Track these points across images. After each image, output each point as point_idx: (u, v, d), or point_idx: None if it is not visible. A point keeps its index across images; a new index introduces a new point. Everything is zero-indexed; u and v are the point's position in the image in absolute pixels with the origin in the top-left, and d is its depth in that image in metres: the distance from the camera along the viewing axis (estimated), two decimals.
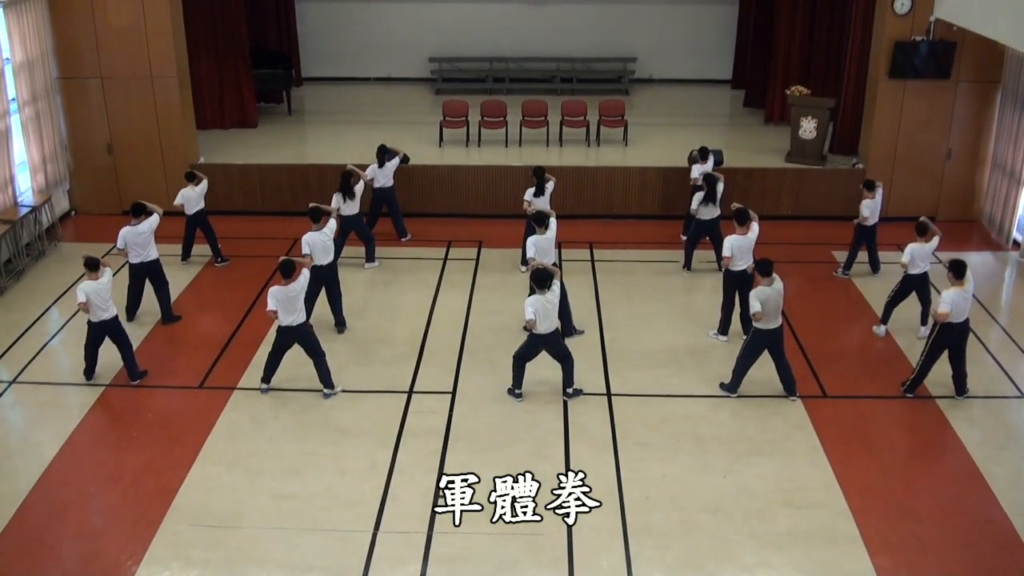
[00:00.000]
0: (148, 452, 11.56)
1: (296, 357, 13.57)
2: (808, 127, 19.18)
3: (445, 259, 17.10)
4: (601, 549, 9.97)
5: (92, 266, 12.61)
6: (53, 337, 14.37)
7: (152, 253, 14.33)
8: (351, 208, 16.03)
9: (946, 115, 18.36)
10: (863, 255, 16.40)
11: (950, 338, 12.34)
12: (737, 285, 13.86)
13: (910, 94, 18.22)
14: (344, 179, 16.02)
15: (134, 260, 14.26)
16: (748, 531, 10.26)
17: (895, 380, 13.12)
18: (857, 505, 10.63)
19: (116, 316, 12.81)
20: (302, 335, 12.57)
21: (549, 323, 12.28)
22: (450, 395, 12.80)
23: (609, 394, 12.83)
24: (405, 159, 17.93)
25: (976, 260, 14.94)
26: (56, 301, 15.39)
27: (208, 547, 9.97)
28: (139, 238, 14.13)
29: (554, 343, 12.51)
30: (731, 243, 13.68)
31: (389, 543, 10.04)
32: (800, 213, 18.73)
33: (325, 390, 12.75)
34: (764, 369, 13.35)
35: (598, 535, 10.17)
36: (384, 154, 17.30)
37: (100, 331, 12.75)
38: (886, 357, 13.85)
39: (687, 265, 16.58)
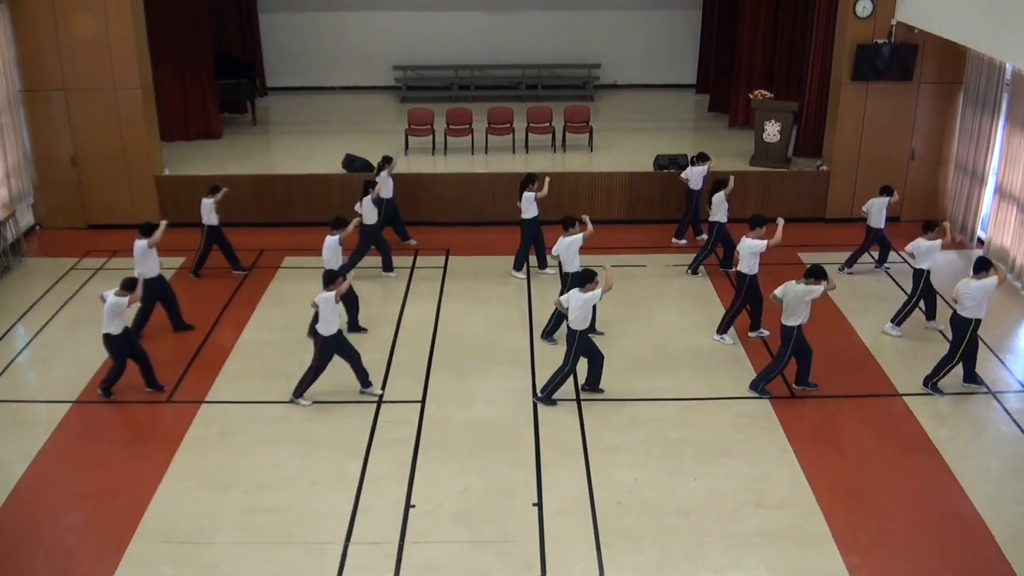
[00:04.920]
0: (117, 468, 11.46)
1: (265, 368, 13.57)
2: (772, 130, 19.30)
3: (412, 267, 17.08)
4: (574, 555, 9.97)
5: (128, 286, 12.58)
6: (19, 354, 14.22)
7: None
8: (371, 216, 16.20)
9: (909, 117, 18.55)
10: (893, 255, 16.90)
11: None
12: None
13: (873, 96, 18.39)
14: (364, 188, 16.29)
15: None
16: (720, 532, 10.30)
17: (862, 379, 13.25)
18: (827, 504, 10.70)
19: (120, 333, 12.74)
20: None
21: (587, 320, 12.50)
22: (420, 404, 12.77)
23: (578, 399, 12.85)
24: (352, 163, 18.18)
25: (941, 259, 15.07)
26: (22, 317, 15.24)
27: (179, 563, 9.89)
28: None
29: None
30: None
31: (361, 554, 10.01)
32: (765, 216, 18.81)
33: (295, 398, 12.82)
34: (731, 370, 13.46)
35: (570, 541, 10.17)
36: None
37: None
38: (853, 357, 13.95)
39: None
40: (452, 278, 16.69)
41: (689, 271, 16.66)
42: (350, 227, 14.51)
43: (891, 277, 16.50)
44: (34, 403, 12.99)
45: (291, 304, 15.46)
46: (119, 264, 16.11)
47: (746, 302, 14.21)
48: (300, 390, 12.73)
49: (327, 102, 25.42)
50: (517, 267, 16.72)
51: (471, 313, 15.35)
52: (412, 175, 18.84)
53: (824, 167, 19.20)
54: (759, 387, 12.88)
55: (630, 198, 18.93)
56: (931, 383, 12.90)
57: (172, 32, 21.20)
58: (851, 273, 16.56)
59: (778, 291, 12.61)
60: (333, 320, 12.42)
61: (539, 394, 12.79)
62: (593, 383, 12.92)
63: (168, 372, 13.44)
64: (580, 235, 14.20)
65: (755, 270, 13.97)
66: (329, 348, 12.54)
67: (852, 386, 13.15)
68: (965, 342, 12.59)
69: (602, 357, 12.84)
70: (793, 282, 12.45)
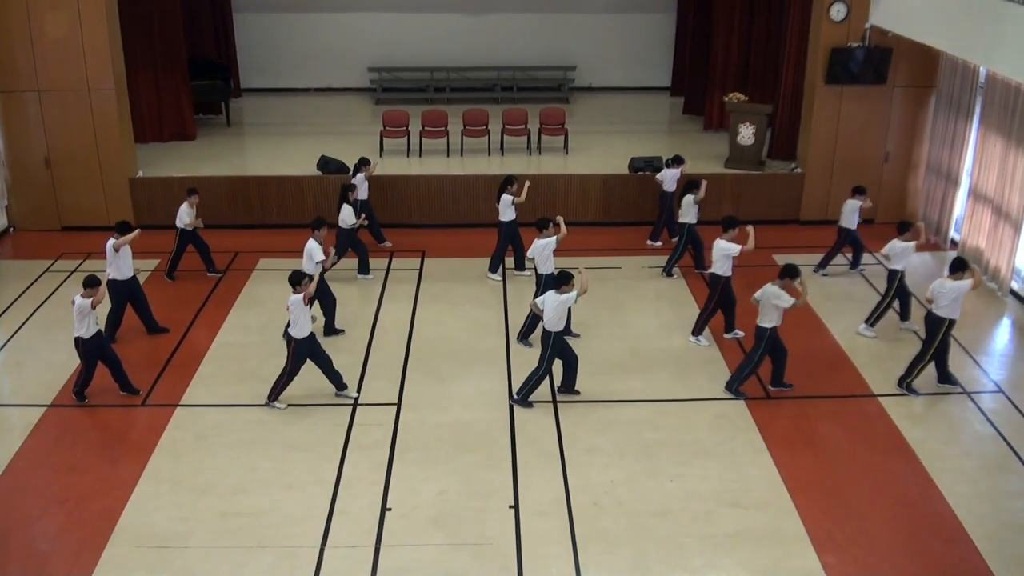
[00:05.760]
0: (92, 473, 11.39)
1: (240, 371, 13.52)
2: (746, 133, 19.38)
3: (388, 269, 17.05)
4: (550, 557, 9.97)
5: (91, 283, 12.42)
6: None
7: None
8: (346, 218, 16.17)
9: (883, 119, 18.66)
10: (867, 256, 17.09)
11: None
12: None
13: (847, 99, 18.48)
14: (343, 192, 16.26)
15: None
16: (696, 533, 10.32)
17: (837, 380, 13.29)
18: (802, 504, 10.75)
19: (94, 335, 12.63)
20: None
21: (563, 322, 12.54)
22: (395, 407, 12.75)
23: (555, 401, 12.85)
24: (326, 165, 18.55)
25: (915, 260, 15.17)
26: None
27: (154, 568, 9.83)
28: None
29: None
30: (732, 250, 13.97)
31: (337, 558, 9.97)
32: (740, 218, 18.88)
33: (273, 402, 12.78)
34: (707, 371, 13.50)
35: (547, 543, 10.18)
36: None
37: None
38: (828, 358, 14.02)
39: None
40: (428, 280, 16.67)
41: (664, 273, 16.71)
42: (329, 260, 14.37)
43: (865, 279, 16.60)
44: (8, 407, 12.88)
45: (266, 306, 15.41)
46: (93, 266, 15.95)
47: (720, 304, 14.24)
48: (274, 393, 12.68)
49: (302, 103, 25.36)
50: (493, 269, 16.71)
51: (447, 315, 15.34)
52: (387, 177, 18.79)
53: (798, 169, 19.30)
54: (734, 388, 12.93)
55: (605, 200, 18.97)
56: (905, 383, 12.99)
57: (146, 33, 21.10)
58: (825, 275, 16.65)
59: (757, 293, 12.67)
60: (305, 323, 12.38)
61: (515, 396, 12.79)
62: (568, 385, 12.94)
63: (142, 375, 13.36)
64: (554, 238, 14.20)
65: (728, 272, 14.01)
66: (302, 351, 12.49)
67: (827, 387, 13.21)
68: (938, 341, 12.68)
69: (576, 359, 12.85)
70: (770, 284, 12.52)
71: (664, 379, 13.42)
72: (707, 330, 14.50)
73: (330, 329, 14.52)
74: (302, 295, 12.23)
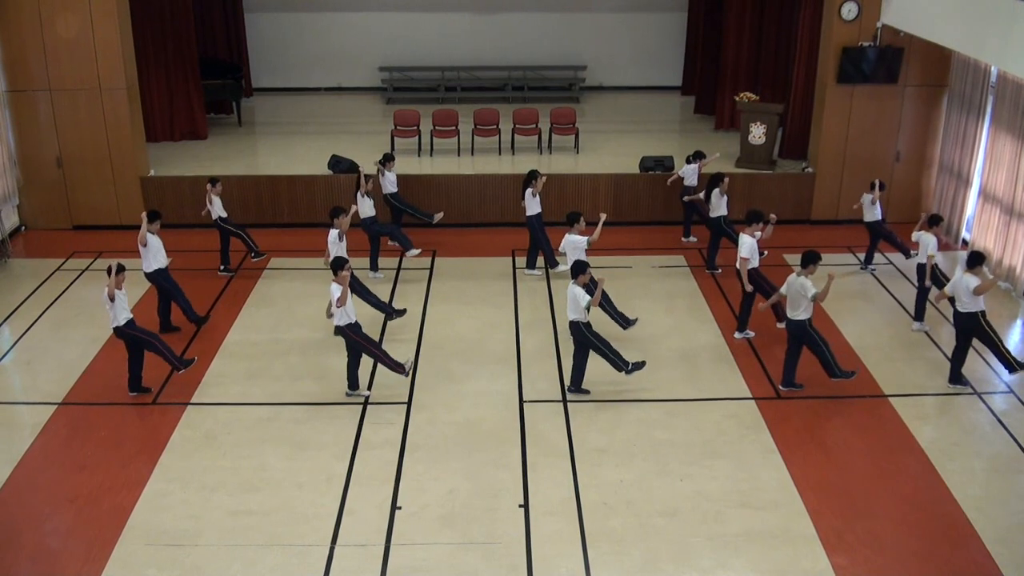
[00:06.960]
0: (102, 471, 11.41)
1: (251, 369, 13.54)
2: (757, 132, 19.35)
3: (399, 268, 17.06)
4: (559, 556, 9.97)
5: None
6: (4, 356, 14.15)
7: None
8: (365, 209, 16.31)
9: (894, 119, 18.60)
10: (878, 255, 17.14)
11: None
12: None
13: (858, 99, 18.44)
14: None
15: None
16: (705, 533, 10.31)
17: (848, 381, 13.22)
18: (813, 504, 10.72)
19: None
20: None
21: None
22: (406, 405, 12.75)
23: (564, 400, 12.84)
24: (337, 164, 18.54)
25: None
26: (7, 318, 15.18)
27: (164, 566, 9.85)
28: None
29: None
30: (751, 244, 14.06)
31: (347, 556, 9.98)
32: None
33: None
34: (718, 371, 13.47)
35: (556, 542, 10.17)
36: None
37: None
38: (839, 358, 13.91)
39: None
40: (438, 279, 16.68)
41: (708, 270, 16.92)
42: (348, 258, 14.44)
43: (876, 278, 16.55)
44: (19, 405, 12.93)
45: (277, 305, 15.44)
46: (105, 265, 15.99)
47: (769, 292, 14.19)
48: (393, 369, 12.87)
49: (313, 103, 25.41)
50: (551, 264, 16.69)
51: (457, 314, 15.34)
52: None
53: (809, 169, 19.26)
54: (836, 374, 12.84)
55: (616, 200, 18.94)
56: (1016, 364, 12.80)
57: (158, 33, 21.20)
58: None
59: (782, 288, 12.72)
60: (349, 308, 12.49)
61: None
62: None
63: (153, 373, 13.37)
64: (585, 238, 14.41)
65: (757, 264, 14.13)
66: (358, 330, 12.63)
67: (838, 387, 13.15)
68: (992, 331, 12.71)
69: (586, 359, 12.86)
70: (794, 275, 12.53)
71: (674, 379, 13.40)
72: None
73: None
74: (339, 283, 12.27)
